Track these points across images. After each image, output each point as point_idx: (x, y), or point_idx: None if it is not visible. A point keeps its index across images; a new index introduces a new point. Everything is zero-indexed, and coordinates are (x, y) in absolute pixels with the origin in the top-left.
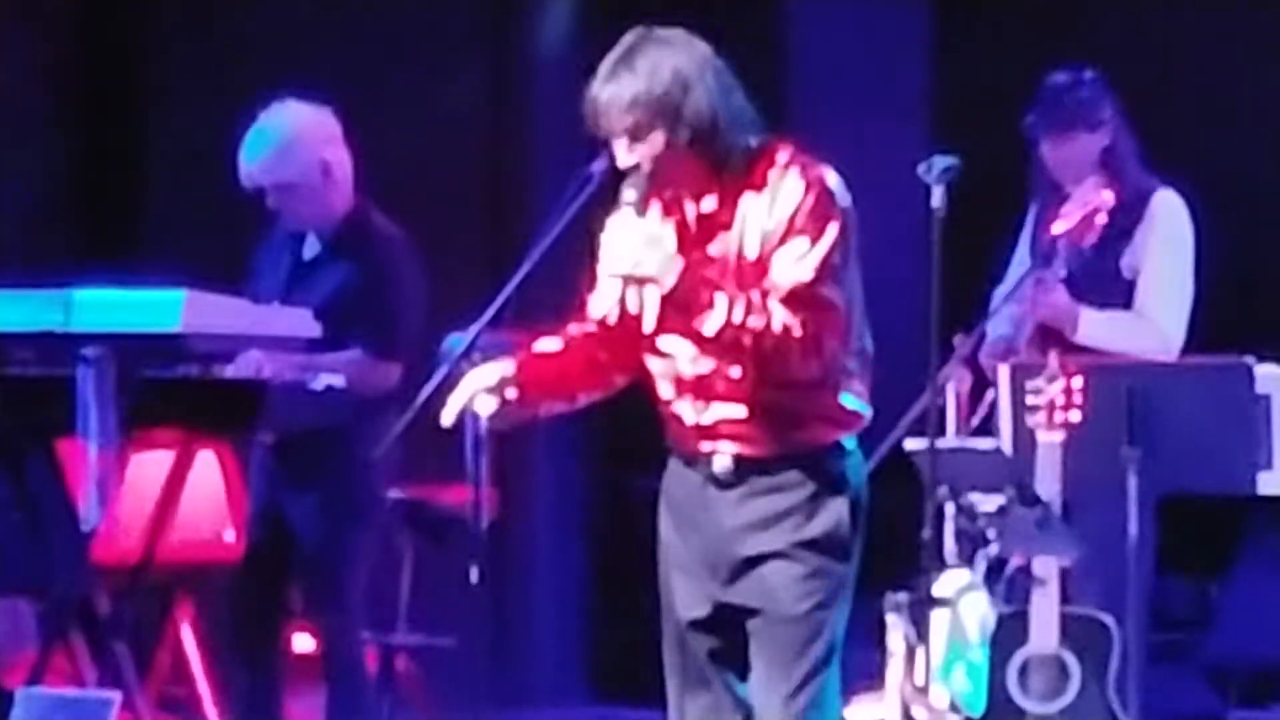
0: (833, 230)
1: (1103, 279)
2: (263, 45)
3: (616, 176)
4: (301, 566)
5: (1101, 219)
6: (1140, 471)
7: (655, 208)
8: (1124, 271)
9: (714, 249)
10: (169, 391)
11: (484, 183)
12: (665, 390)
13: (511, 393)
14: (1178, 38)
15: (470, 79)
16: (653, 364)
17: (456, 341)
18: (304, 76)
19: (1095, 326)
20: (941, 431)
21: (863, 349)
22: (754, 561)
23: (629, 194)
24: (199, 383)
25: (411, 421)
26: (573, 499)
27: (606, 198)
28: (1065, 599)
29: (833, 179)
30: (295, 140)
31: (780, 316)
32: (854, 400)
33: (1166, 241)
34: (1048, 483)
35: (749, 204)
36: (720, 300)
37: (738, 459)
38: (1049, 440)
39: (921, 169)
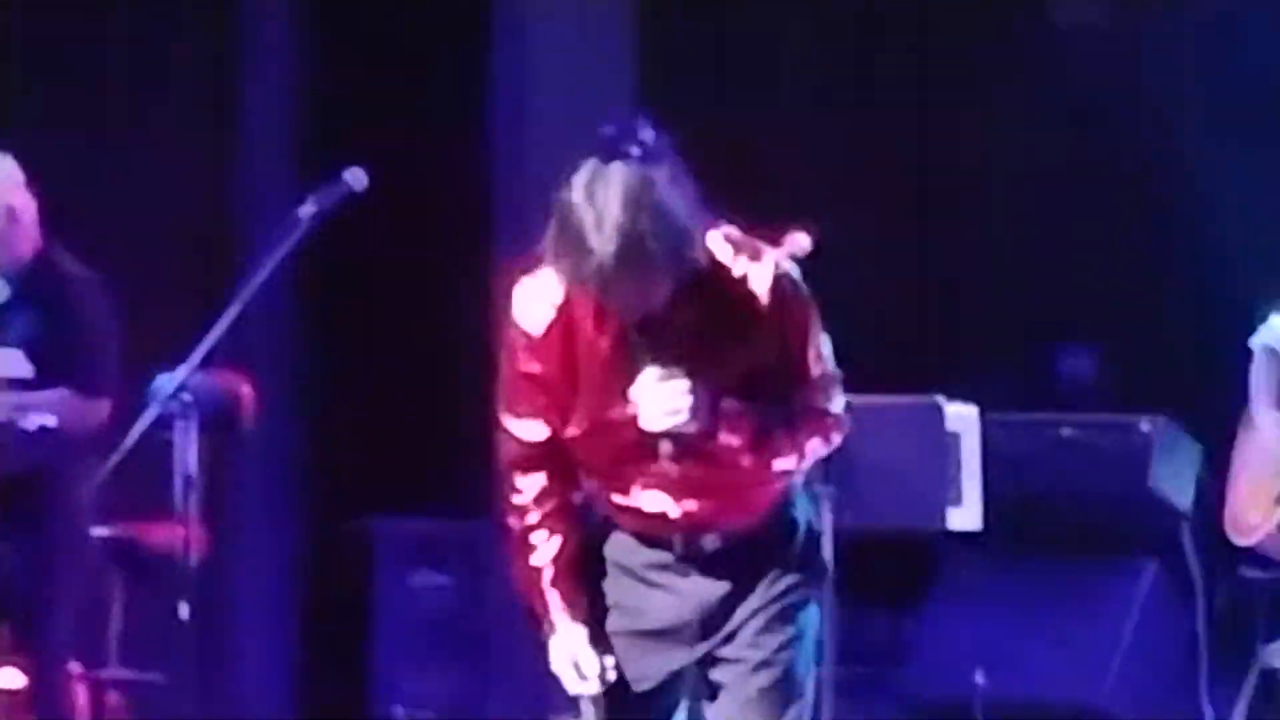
0: (814, 313)
1: None
2: None
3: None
4: (8, 604)
5: None
6: (831, 505)
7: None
8: None
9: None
10: None
11: (195, 221)
12: (628, 488)
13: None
14: None
15: (179, 116)
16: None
17: (165, 381)
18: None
19: None
20: None
21: None
22: (739, 614)
23: (644, 354)
24: None
25: (121, 460)
26: (281, 537)
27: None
28: None
29: (781, 261)
30: None
31: (811, 447)
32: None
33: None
34: None
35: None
36: (747, 446)
37: (725, 536)
38: None
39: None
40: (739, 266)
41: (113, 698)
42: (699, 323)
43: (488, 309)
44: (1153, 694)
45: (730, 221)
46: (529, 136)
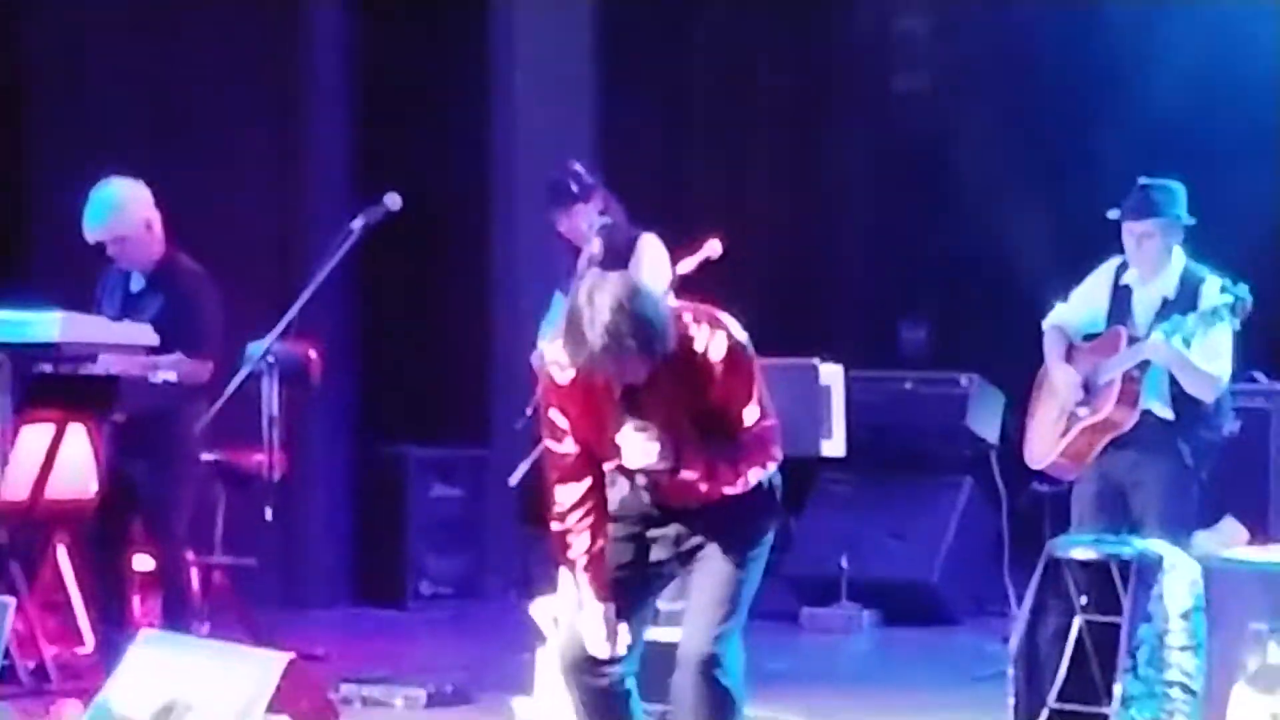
0: (755, 369)
1: None
2: (108, 131)
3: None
4: (143, 506)
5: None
6: None
7: (618, 408)
8: None
9: (666, 413)
10: (49, 384)
11: (273, 232)
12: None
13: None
14: None
15: (259, 153)
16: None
17: (255, 348)
18: (137, 152)
19: None
20: None
21: None
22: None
23: (625, 414)
24: (70, 377)
25: (223, 404)
26: (338, 460)
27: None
28: None
29: (731, 326)
30: (124, 206)
31: (753, 475)
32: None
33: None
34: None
35: (679, 370)
36: (712, 472)
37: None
38: None
39: None
40: (700, 340)
41: (217, 577)
42: (669, 388)
43: (485, 294)
44: (969, 575)
45: (661, 220)
46: (518, 164)
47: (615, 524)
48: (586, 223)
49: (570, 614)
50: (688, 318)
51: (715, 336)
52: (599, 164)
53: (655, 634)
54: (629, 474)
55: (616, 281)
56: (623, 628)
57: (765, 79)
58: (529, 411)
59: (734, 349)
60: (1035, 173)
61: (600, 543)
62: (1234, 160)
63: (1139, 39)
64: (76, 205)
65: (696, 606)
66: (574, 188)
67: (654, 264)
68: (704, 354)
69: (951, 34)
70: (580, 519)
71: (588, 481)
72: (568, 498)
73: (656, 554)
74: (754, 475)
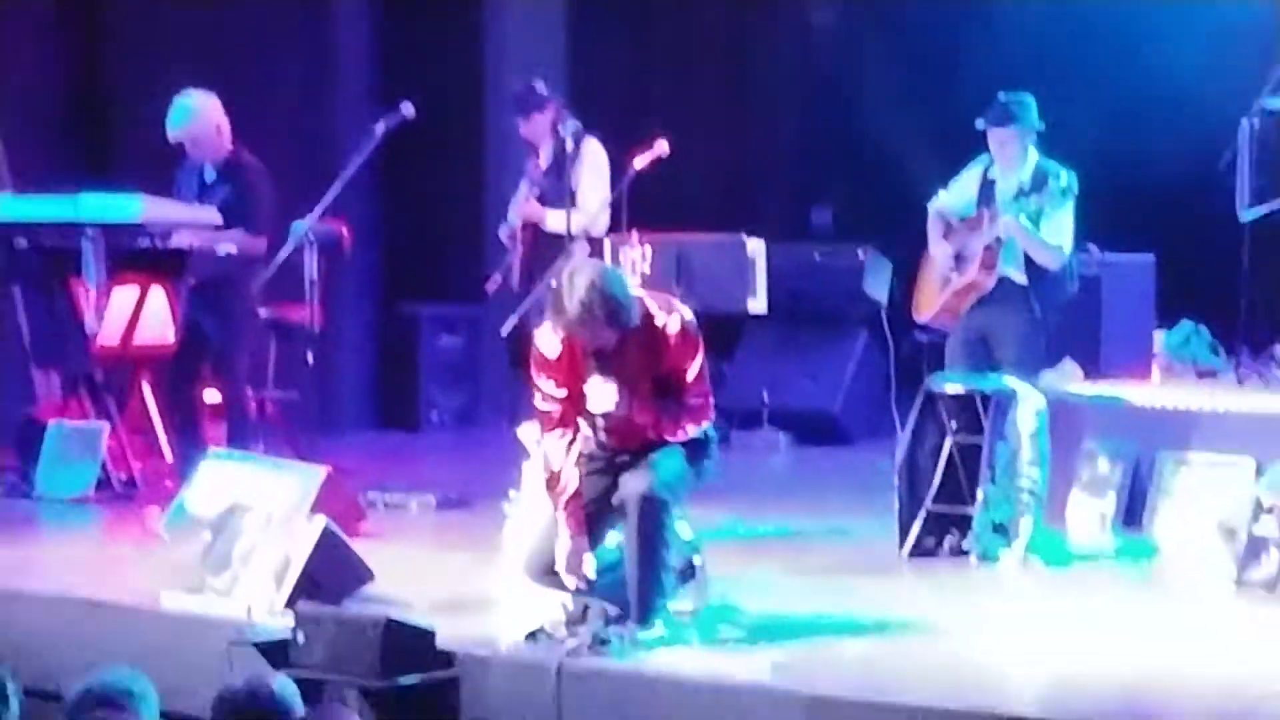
0: (700, 347)
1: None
2: (181, 49)
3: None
4: (211, 351)
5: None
6: (682, 299)
7: (587, 366)
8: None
9: (630, 374)
10: (135, 255)
11: (313, 134)
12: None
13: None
14: None
15: (298, 73)
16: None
17: (299, 225)
18: (203, 67)
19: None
20: None
21: None
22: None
23: (594, 365)
24: (153, 250)
25: (276, 271)
26: (366, 314)
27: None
28: None
29: (684, 312)
30: (199, 113)
31: (690, 427)
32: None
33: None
34: None
35: (643, 342)
36: (656, 416)
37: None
38: (635, 281)
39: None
40: (659, 317)
41: (269, 407)
42: (633, 353)
43: (479, 183)
44: (863, 406)
45: (621, 124)
46: (504, 80)
47: (587, 464)
48: (542, 128)
49: (533, 527)
50: (649, 300)
51: (671, 316)
52: (571, 78)
53: None
54: (593, 420)
55: (593, 266)
56: (589, 557)
57: (710, 11)
58: (496, 276)
59: (685, 327)
60: (923, 86)
61: (577, 487)
62: (1077, 75)
63: None
64: (153, 111)
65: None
66: (532, 99)
67: (593, 162)
68: (662, 329)
69: None
70: (565, 465)
71: (570, 434)
72: (555, 447)
73: (616, 494)
74: (691, 430)
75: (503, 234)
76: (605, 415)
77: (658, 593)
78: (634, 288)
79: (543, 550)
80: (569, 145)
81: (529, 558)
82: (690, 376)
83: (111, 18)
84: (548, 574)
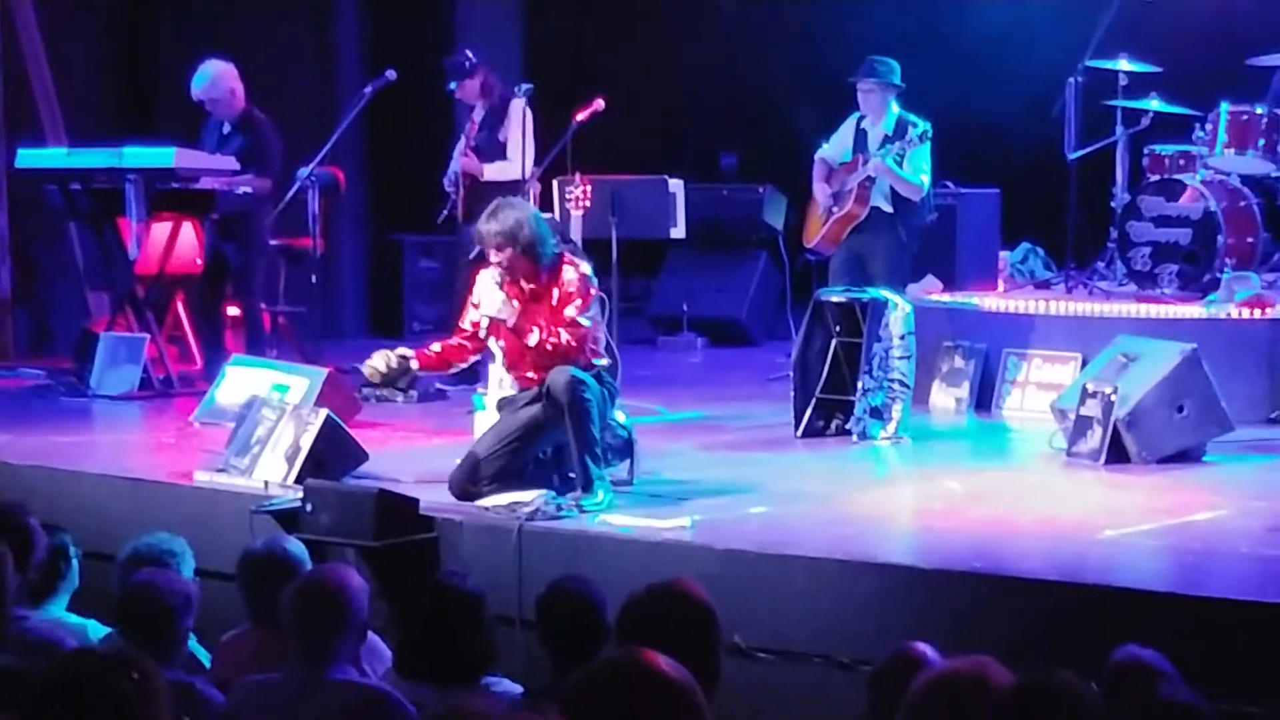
0: (589, 295)
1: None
2: (209, 27)
3: (379, 96)
4: (232, 274)
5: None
6: (615, 227)
7: (503, 285)
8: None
9: (534, 306)
10: (169, 195)
11: (315, 93)
12: (503, 356)
13: (413, 364)
14: None
15: (304, 46)
16: (496, 346)
17: (303, 170)
18: (230, 44)
19: (494, 170)
20: None
21: (604, 341)
22: None
23: (494, 275)
24: (183, 191)
25: (283, 208)
26: (360, 242)
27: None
28: None
29: (586, 268)
30: (216, 77)
31: (565, 336)
32: (596, 362)
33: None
34: (579, 232)
35: (552, 285)
36: (535, 330)
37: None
38: (578, 214)
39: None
40: (569, 267)
41: (281, 320)
42: (538, 284)
43: (448, 136)
44: (764, 314)
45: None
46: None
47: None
48: (473, 91)
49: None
50: (567, 255)
51: (577, 267)
52: (526, 49)
53: None
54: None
55: (526, 206)
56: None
57: None
58: (444, 212)
59: (583, 276)
60: (810, 53)
61: (434, 353)
62: (936, 40)
63: None
64: (183, 77)
65: None
66: (463, 67)
67: (517, 120)
68: (565, 272)
69: None
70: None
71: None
72: (462, 330)
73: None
74: (572, 350)
75: (446, 182)
76: (497, 323)
77: (595, 461)
78: (557, 242)
79: (461, 469)
80: (517, 104)
81: (450, 478)
82: (569, 310)
83: (157, 1)
84: (463, 489)
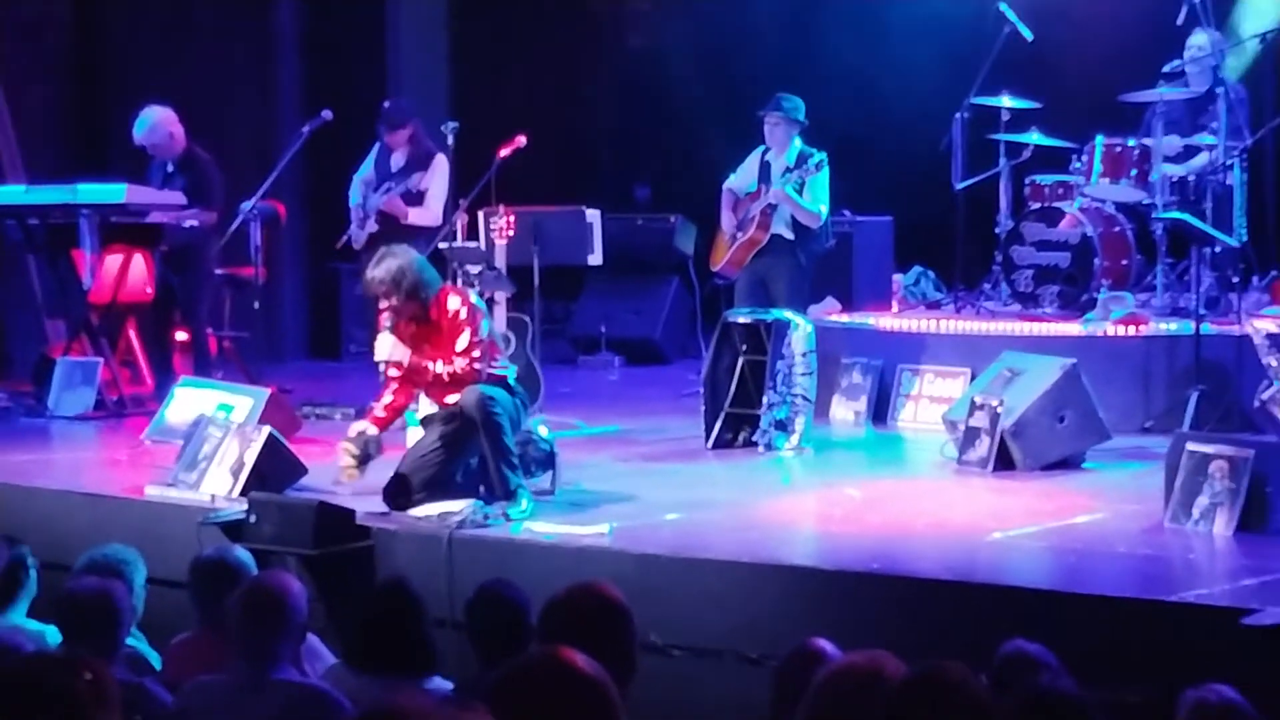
0: (476, 316)
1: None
2: (156, 75)
3: (316, 134)
4: (180, 302)
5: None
6: (538, 256)
7: (393, 328)
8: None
9: (427, 340)
10: (120, 229)
11: (255, 133)
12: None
13: (373, 432)
14: None
15: (245, 90)
16: (414, 380)
17: (245, 204)
18: (166, 89)
19: (418, 215)
20: None
21: (526, 362)
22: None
23: (387, 322)
24: (133, 225)
25: (227, 239)
26: (299, 270)
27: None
28: None
29: (470, 293)
30: (157, 124)
31: (460, 364)
32: (500, 371)
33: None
34: (503, 260)
35: (440, 318)
36: (430, 364)
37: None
38: (502, 243)
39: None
40: (453, 299)
41: (226, 344)
42: (427, 322)
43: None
44: (676, 334)
45: (488, 122)
46: (399, 93)
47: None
48: (403, 138)
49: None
50: (448, 286)
51: (462, 297)
52: (451, 92)
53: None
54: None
55: (408, 253)
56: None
57: (549, 37)
58: (345, 238)
59: (468, 304)
60: (716, 92)
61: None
62: (837, 80)
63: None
64: (131, 121)
65: None
66: (399, 116)
67: (440, 172)
68: (449, 304)
69: None
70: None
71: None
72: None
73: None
74: (469, 375)
75: (356, 211)
76: (386, 363)
77: (512, 471)
78: (438, 279)
79: (393, 481)
80: (441, 159)
81: (384, 490)
82: (460, 341)
83: (105, 50)
84: (395, 499)
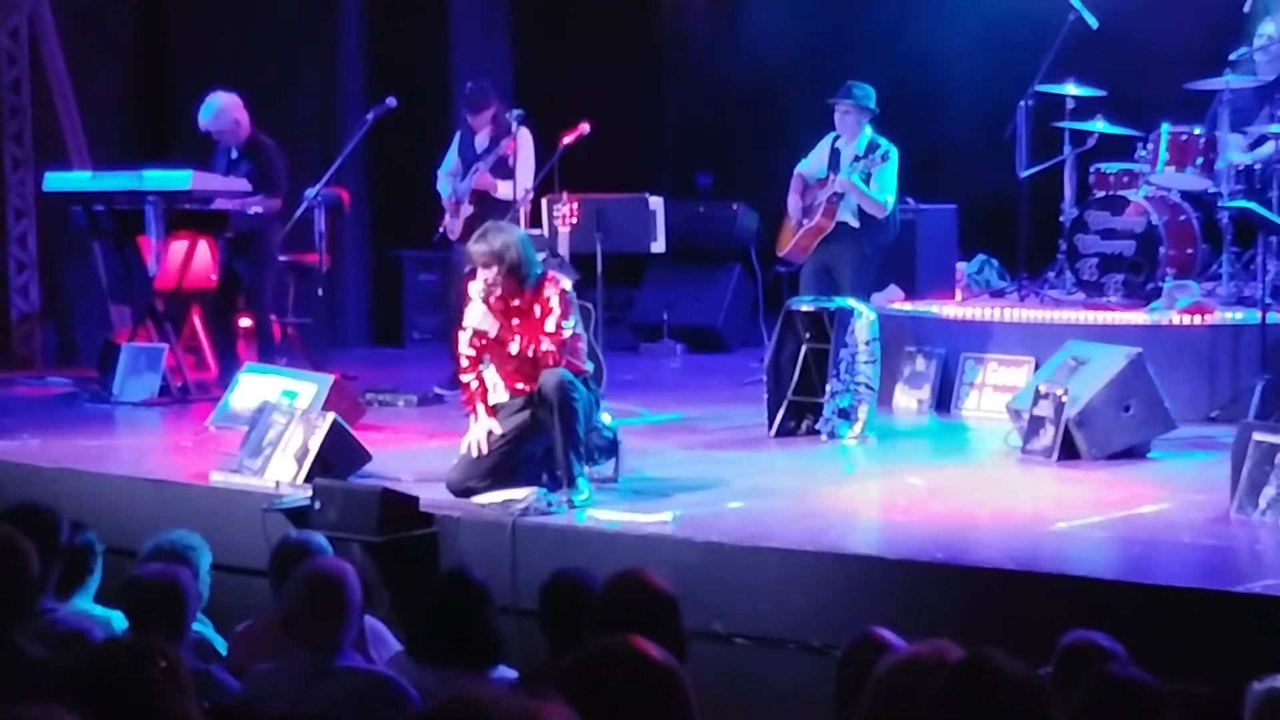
0: (568, 309)
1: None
2: (223, 61)
3: (381, 121)
4: (244, 288)
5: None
6: (601, 243)
7: (486, 299)
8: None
9: (517, 320)
10: (185, 215)
11: (320, 118)
12: (493, 367)
13: (497, 429)
14: None
15: (310, 76)
16: (493, 356)
17: (310, 191)
18: (230, 74)
19: (507, 189)
20: None
21: (589, 348)
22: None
23: (479, 290)
24: (199, 211)
25: (292, 226)
26: (363, 257)
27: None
28: None
29: (567, 284)
30: (223, 109)
31: (546, 344)
32: (580, 365)
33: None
34: (566, 247)
35: (535, 301)
36: (517, 339)
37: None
38: (565, 230)
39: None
40: (550, 285)
41: (290, 330)
42: (521, 300)
43: (440, 159)
44: (739, 322)
45: (554, 111)
46: (461, 81)
47: (502, 411)
48: (486, 119)
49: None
50: (550, 275)
51: (559, 284)
52: (515, 78)
53: None
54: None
55: (516, 230)
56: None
57: (619, 25)
58: (440, 228)
59: (563, 293)
60: (784, 79)
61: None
62: (904, 70)
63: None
64: (200, 105)
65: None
66: (482, 98)
67: (526, 146)
68: (546, 291)
69: None
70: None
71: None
72: (470, 357)
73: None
74: (557, 360)
75: (447, 201)
76: (481, 334)
77: (579, 458)
78: (540, 263)
79: (457, 468)
80: (514, 128)
81: (448, 477)
82: (549, 324)
83: (169, 34)
84: (462, 488)
